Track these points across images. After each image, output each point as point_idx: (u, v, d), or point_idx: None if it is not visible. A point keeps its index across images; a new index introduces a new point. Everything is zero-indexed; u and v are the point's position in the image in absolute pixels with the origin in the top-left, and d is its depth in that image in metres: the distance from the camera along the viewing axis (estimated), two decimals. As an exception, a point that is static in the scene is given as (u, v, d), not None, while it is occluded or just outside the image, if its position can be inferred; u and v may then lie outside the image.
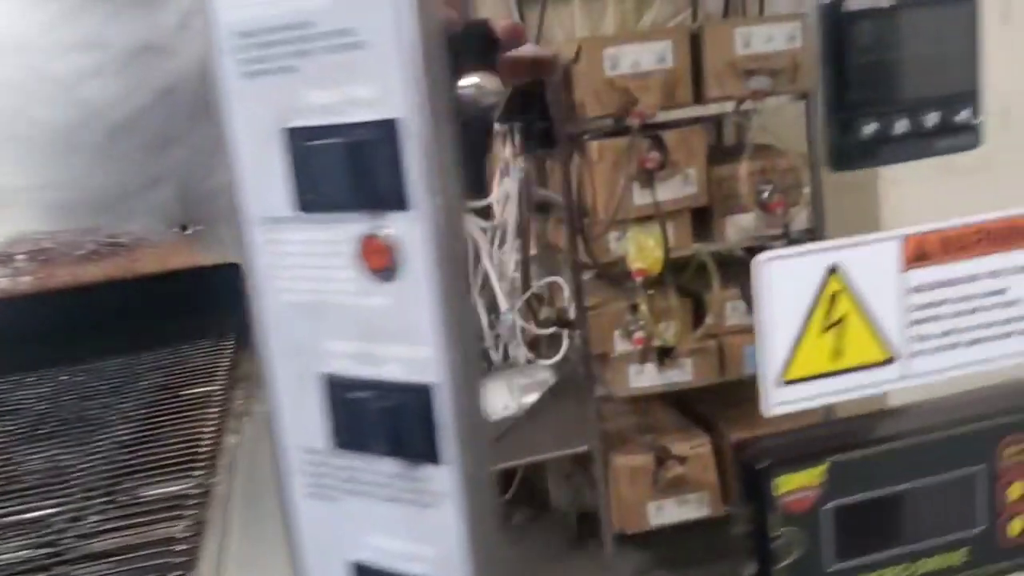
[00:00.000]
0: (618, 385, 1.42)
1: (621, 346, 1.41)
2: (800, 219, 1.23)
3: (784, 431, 0.37)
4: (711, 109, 1.36)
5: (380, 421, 0.35)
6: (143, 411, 0.85)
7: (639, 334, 1.44)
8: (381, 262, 0.33)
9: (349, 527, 0.38)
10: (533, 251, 1.64)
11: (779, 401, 0.37)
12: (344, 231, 0.34)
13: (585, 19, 1.73)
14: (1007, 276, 0.38)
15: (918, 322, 0.37)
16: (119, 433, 0.80)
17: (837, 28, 0.34)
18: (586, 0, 1.73)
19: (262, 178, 0.36)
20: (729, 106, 1.32)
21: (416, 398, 0.34)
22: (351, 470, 0.37)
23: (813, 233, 0.95)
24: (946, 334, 0.37)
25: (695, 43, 1.36)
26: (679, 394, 1.48)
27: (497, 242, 1.64)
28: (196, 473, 0.69)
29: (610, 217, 1.35)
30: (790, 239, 1.17)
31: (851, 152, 0.35)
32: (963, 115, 0.35)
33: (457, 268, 0.32)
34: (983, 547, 0.38)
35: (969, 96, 0.35)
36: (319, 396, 0.37)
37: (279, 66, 0.34)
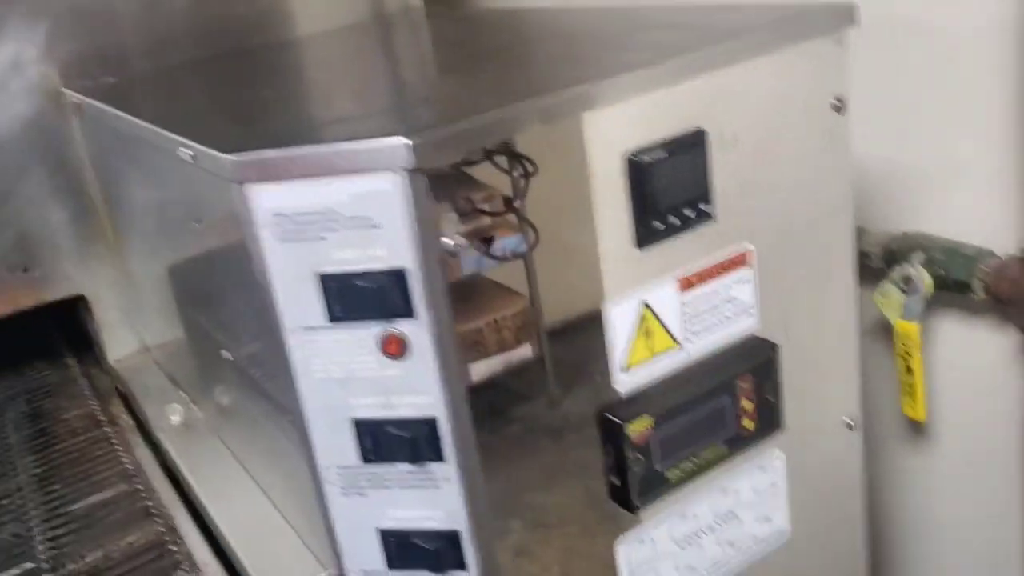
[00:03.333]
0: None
1: None
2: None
3: (623, 400, 0.63)
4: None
5: (401, 441, 0.56)
6: (39, 440, 0.97)
7: None
8: (397, 350, 0.54)
9: (376, 509, 0.59)
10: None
11: (626, 380, 0.62)
12: (367, 331, 0.54)
13: None
14: (734, 287, 0.65)
15: (689, 321, 0.64)
16: (30, 465, 0.92)
17: (636, 171, 0.58)
18: None
19: (298, 301, 0.54)
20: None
21: (427, 426, 0.55)
22: (376, 474, 0.58)
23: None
24: (705, 325, 0.65)
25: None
26: None
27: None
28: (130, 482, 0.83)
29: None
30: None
31: (647, 237, 0.60)
32: (704, 206, 0.62)
33: (448, 349, 0.54)
34: (732, 439, 0.67)
35: (706, 195, 0.62)
36: (350, 432, 0.57)
37: (310, 235, 0.53)
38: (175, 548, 0.75)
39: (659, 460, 0.63)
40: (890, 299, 0.93)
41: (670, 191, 0.59)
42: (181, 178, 0.65)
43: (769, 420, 0.68)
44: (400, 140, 0.49)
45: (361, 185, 0.51)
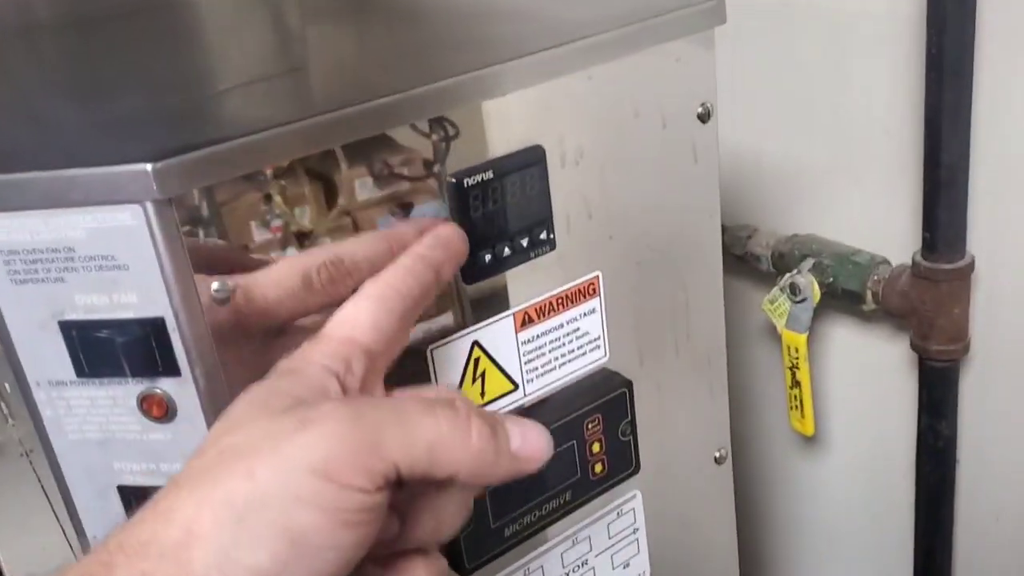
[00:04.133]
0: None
1: (260, 236, 1.53)
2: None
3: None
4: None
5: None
6: None
7: (276, 222, 1.57)
8: (161, 412, 0.45)
9: None
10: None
11: (449, 433, 0.54)
12: (123, 389, 0.45)
13: None
14: (580, 319, 0.58)
15: (529, 361, 0.56)
16: None
17: (460, 195, 0.50)
18: None
19: (39, 352, 0.45)
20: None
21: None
22: (151, 547, 0.49)
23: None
24: (546, 364, 0.57)
25: None
26: None
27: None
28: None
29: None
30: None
31: (477, 272, 0.52)
32: (543, 234, 0.53)
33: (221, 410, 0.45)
34: (579, 486, 0.60)
35: (546, 220, 0.53)
36: (116, 501, 0.48)
37: (47, 276, 0.43)
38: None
39: (493, 516, 0.56)
40: (778, 307, 0.86)
41: (502, 218, 0.51)
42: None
43: (623, 461, 0.61)
44: (141, 166, 0.40)
45: (99, 219, 0.42)
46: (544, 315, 0.56)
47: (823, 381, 0.93)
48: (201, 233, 0.43)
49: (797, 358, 0.86)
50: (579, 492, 0.60)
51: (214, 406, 0.45)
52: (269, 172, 0.42)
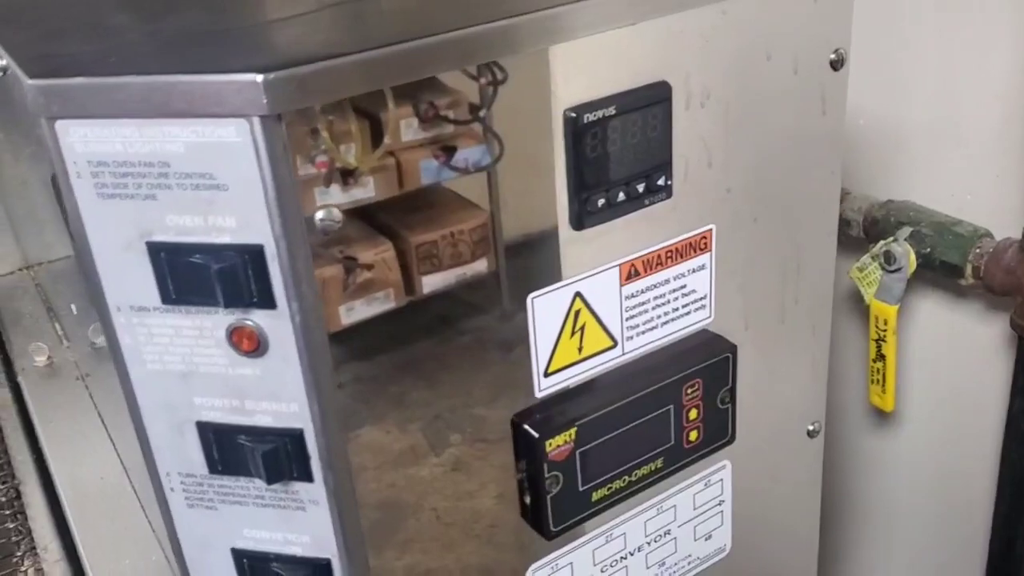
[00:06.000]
0: (305, 206, 1.52)
1: (304, 170, 1.50)
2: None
3: (542, 404, 0.51)
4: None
5: (257, 455, 0.44)
6: None
7: (322, 158, 1.54)
8: (252, 346, 0.42)
9: (228, 526, 0.48)
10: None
11: (546, 386, 0.51)
12: (212, 320, 0.42)
13: None
14: (688, 276, 0.54)
15: (631, 317, 0.52)
16: None
17: (577, 132, 0.46)
18: None
19: (122, 275, 0.42)
20: None
21: (290, 439, 0.44)
22: (227, 487, 0.46)
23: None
24: (648, 321, 0.53)
25: None
26: (362, 209, 1.62)
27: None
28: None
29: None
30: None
31: (587, 217, 0.48)
32: (660, 180, 0.49)
33: (318, 349, 0.42)
34: (672, 454, 0.56)
35: (665, 166, 0.49)
36: (194, 437, 0.45)
37: (138, 192, 0.40)
38: (14, 525, 0.64)
39: (583, 479, 0.52)
40: (867, 275, 0.82)
41: (619, 160, 0.47)
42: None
43: (719, 431, 0.58)
44: (251, 77, 0.36)
45: (200, 132, 0.38)
46: (651, 268, 0.52)
47: (906, 356, 0.89)
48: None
49: (885, 331, 0.82)
50: (671, 460, 0.56)
51: (310, 344, 0.42)
52: (318, 107, 0.40)
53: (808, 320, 0.60)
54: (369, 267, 0.46)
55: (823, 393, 0.65)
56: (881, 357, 0.83)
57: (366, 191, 0.44)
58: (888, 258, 0.79)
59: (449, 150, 0.45)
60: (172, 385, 0.44)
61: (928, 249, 0.79)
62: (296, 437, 0.44)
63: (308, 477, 0.45)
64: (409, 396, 0.47)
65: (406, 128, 0.44)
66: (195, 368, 0.44)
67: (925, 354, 0.89)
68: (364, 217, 0.46)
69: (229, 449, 0.45)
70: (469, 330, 0.49)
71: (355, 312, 0.45)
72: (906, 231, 0.79)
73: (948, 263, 0.78)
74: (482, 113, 0.45)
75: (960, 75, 0.79)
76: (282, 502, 0.46)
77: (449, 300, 0.47)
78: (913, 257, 0.79)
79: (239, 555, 0.48)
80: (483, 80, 0.44)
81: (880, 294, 0.81)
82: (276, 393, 0.43)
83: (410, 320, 0.47)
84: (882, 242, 0.80)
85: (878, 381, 0.85)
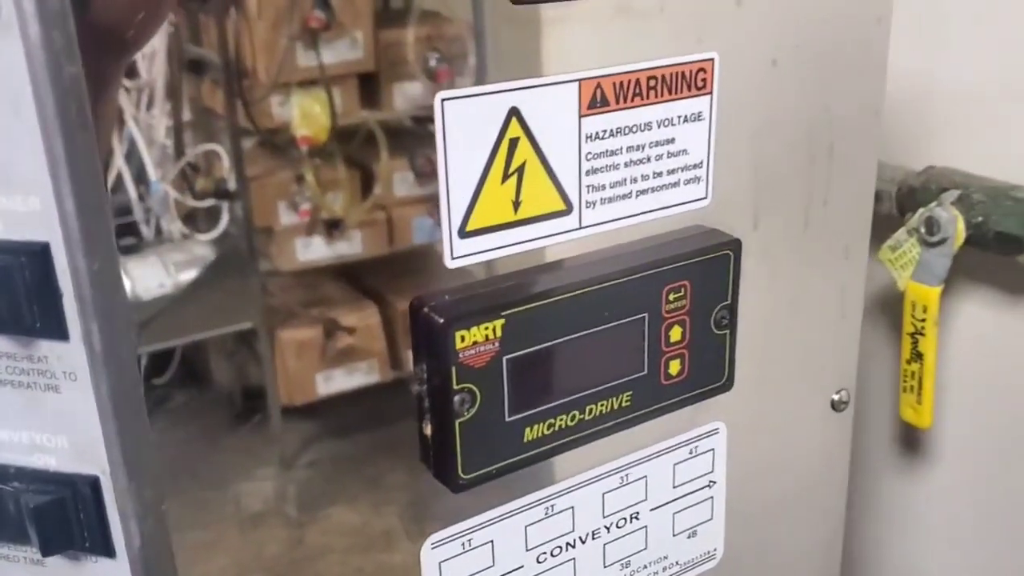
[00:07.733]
0: (284, 259, 1.37)
1: (286, 218, 1.36)
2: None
3: (458, 287, 0.36)
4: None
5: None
6: None
7: (305, 206, 1.41)
8: None
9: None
10: (187, 115, 1.50)
11: (462, 253, 0.35)
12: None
13: None
14: (675, 125, 0.38)
15: (593, 171, 0.36)
16: None
17: None
18: None
19: None
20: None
21: (25, 257, 0.27)
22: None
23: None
24: (617, 183, 0.37)
25: None
26: (347, 267, 1.48)
27: (144, 104, 1.48)
28: None
29: (272, 79, 1.26)
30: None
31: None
32: (641, -47, 0.34)
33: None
34: (645, 389, 0.39)
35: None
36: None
37: None
38: None
39: (511, 404, 0.36)
40: (902, 254, 0.66)
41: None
42: None
43: (712, 367, 0.41)
44: None
45: None
46: (625, 98, 0.36)
47: (947, 360, 0.72)
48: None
49: (923, 321, 0.65)
50: (642, 398, 0.39)
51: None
52: (304, 149, 0.39)
53: (841, 234, 0.45)
54: (351, 331, 0.43)
55: (854, 352, 0.48)
56: (917, 356, 0.67)
57: (352, 246, 0.44)
58: (931, 226, 0.64)
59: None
60: None
61: (980, 218, 0.63)
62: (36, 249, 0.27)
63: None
64: (386, 479, 0.38)
65: (400, 181, 0.41)
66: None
67: (970, 358, 0.72)
68: (348, 277, 0.46)
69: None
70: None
71: (334, 382, 0.43)
72: (952, 194, 0.64)
73: (1006, 234, 0.62)
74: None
75: (1017, 27, 0.65)
76: (21, 376, 0.29)
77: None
78: (962, 225, 0.63)
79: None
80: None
81: (919, 274, 0.65)
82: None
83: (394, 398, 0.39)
84: (922, 209, 0.65)
85: (912, 388, 0.68)
